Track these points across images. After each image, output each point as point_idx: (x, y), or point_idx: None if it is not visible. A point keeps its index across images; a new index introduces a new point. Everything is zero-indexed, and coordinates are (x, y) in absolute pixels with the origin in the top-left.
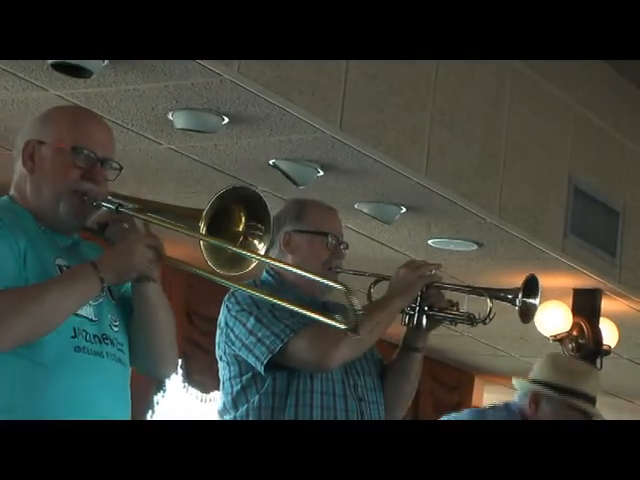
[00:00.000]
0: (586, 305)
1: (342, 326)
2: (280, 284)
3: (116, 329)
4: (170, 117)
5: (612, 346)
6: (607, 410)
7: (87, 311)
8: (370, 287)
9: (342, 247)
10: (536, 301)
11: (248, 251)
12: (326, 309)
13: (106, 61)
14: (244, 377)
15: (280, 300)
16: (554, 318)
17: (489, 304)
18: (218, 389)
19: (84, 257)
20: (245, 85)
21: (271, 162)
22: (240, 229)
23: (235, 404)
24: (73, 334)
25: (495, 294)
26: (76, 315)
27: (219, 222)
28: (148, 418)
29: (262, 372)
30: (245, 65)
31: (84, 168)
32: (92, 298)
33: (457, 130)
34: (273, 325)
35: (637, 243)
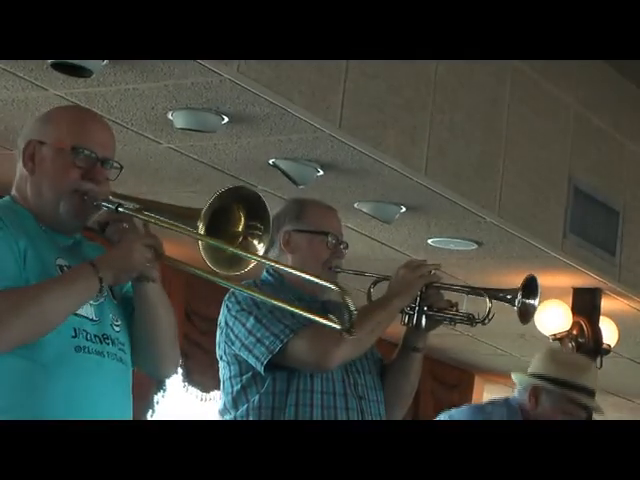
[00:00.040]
0: (586, 304)
1: (338, 326)
2: (280, 284)
3: (117, 329)
4: (170, 116)
5: (612, 345)
6: (607, 409)
7: (88, 311)
8: (370, 287)
9: (342, 247)
10: (535, 302)
11: (245, 251)
12: (326, 308)
13: (106, 61)
14: (244, 377)
15: (277, 300)
16: (554, 317)
17: (488, 304)
18: (218, 388)
19: (85, 257)
20: (245, 85)
21: (271, 162)
22: (239, 229)
23: (235, 403)
24: (73, 334)
25: (494, 294)
26: (76, 315)
27: (218, 222)
28: (148, 418)
29: (262, 372)
30: (245, 65)
31: (84, 168)
32: (91, 298)
33: (457, 130)
34: (273, 325)
35: (637, 242)
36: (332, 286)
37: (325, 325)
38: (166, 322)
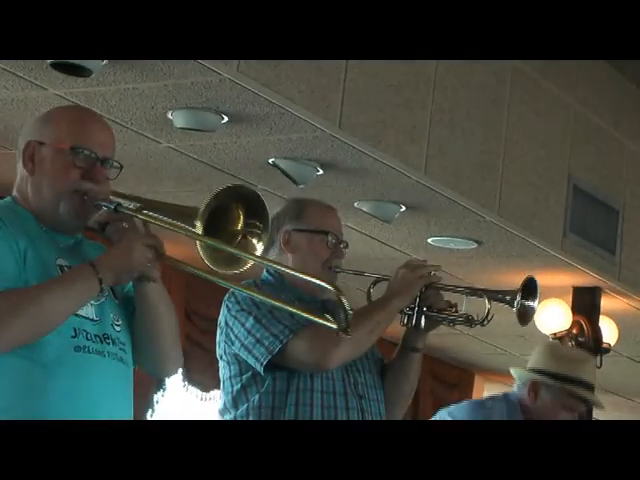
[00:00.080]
0: (586, 303)
1: (334, 326)
2: (281, 283)
3: (118, 328)
4: (169, 116)
5: (612, 344)
6: (607, 408)
7: (88, 311)
8: (370, 287)
9: (342, 246)
10: (534, 303)
11: (244, 251)
12: (326, 308)
13: (105, 60)
14: (244, 376)
15: (275, 301)
16: (554, 316)
17: (487, 306)
18: (218, 388)
19: (86, 257)
20: (244, 84)
21: (271, 161)
22: (238, 228)
23: (235, 403)
24: (73, 334)
25: (493, 295)
26: (76, 315)
27: (217, 221)
28: (148, 417)
29: (262, 372)
30: (244, 64)
31: (84, 168)
32: (91, 298)
33: (457, 129)
34: (272, 326)
35: (637, 241)
36: (328, 286)
37: (323, 325)
38: (167, 322)
